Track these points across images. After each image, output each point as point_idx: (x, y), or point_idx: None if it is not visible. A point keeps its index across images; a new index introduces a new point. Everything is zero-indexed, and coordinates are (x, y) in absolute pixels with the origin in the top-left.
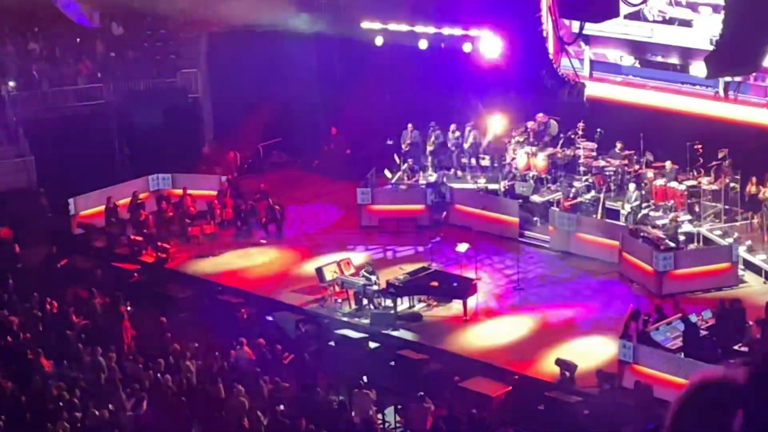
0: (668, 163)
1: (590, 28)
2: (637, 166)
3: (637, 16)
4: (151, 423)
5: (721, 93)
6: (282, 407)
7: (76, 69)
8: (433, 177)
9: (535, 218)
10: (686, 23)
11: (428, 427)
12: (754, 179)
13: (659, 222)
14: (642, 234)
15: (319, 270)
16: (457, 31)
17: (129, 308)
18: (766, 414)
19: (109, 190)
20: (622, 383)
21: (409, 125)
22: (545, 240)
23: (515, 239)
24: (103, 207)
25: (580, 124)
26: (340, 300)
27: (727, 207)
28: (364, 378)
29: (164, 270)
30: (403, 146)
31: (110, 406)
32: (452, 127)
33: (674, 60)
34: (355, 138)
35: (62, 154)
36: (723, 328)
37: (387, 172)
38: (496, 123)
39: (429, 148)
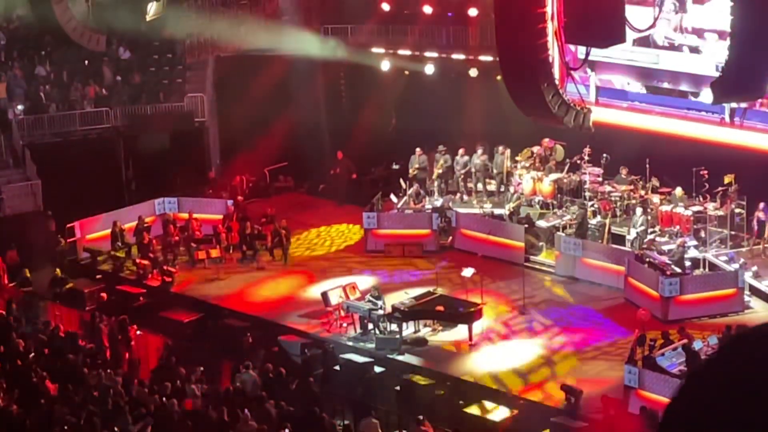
0: (678, 190)
1: (596, 54)
2: (642, 192)
3: (644, 42)
4: None
5: (727, 119)
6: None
7: (83, 93)
8: (439, 202)
9: (540, 243)
10: (693, 50)
11: None
12: (761, 205)
13: (665, 247)
14: (648, 259)
15: (324, 294)
16: (464, 56)
17: (135, 332)
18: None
19: (115, 213)
20: (628, 409)
21: (418, 150)
22: (551, 265)
23: (521, 264)
24: (109, 231)
25: (586, 150)
26: (345, 324)
27: (733, 233)
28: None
29: (170, 294)
30: (411, 171)
31: (116, 429)
32: (461, 151)
33: (680, 86)
34: (361, 163)
35: (69, 178)
36: None
37: (393, 197)
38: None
39: (437, 171)
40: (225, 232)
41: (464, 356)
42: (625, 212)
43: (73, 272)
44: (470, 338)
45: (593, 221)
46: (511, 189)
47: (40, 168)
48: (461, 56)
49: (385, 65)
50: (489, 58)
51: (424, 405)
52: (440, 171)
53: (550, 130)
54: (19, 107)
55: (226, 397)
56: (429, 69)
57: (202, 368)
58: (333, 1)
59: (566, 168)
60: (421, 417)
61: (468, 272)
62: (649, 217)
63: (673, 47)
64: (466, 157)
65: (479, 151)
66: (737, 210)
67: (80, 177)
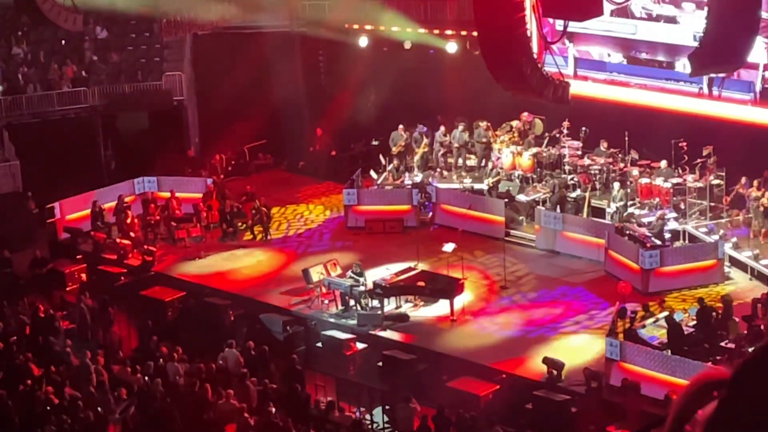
0: (664, 163)
1: (574, 25)
2: (622, 165)
3: (623, 13)
4: (139, 426)
5: (706, 90)
6: (274, 409)
7: (60, 73)
8: (418, 177)
9: (520, 217)
10: (672, 20)
11: (415, 428)
12: (743, 179)
13: (645, 220)
14: (628, 232)
15: (305, 271)
16: (442, 31)
17: (116, 311)
18: (747, 409)
19: (94, 193)
20: (610, 381)
21: (400, 126)
22: (531, 239)
23: (501, 239)
24: (89, 211)
25: (565, 123)
26: (326, 301)
27: (712, 204)
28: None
29: (151, 273)
30: (395, 148)
31: (98, 409)
32: (442, 129)
33: (659, 57)
34: (340, 139)
35: (48, 158)
36: (709, 324)
37: (373, 173)
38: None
39: (419, 151)
40: (205, 211)
41: (446, 331)
42: (604, 185)
43: (53, 252)
44: (452, 313)
45: (573, 194)
46: (490, 164)
47: (19, 149)
48: (439, 31)
49: (363, 41)
50: (467, 33)
51: (407, 381)
52: (418, 148)
53: (529, 104)
54: None
55: (209, 374)
56: (407, 44)
57: (183, 347)
58: None
59: (545, 142)
60: (408, 395)
61: (449, 247)
62: (629, 190)
63: (650, 17)
64: (448, 135)
65: (461, 127)
66: (716, 181)
67: (59, 157)
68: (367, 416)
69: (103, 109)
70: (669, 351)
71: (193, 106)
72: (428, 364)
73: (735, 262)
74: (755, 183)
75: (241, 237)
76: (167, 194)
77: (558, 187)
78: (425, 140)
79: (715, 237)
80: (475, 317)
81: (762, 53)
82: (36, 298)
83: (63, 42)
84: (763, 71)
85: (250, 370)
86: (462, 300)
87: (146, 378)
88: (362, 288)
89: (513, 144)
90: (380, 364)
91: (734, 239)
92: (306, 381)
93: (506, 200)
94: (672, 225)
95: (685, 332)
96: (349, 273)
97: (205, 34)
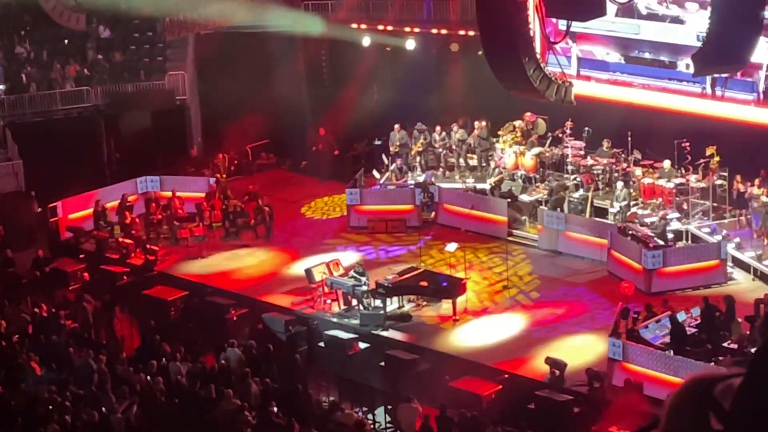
0: (667, 163)
1: (577, 25)
2: (625, 165)
3: (628, 12)
4: (142, 425)
5: (708, 90)
6: (275, 409)
7: (63, 72)
8: (421, 177)
9: (523, 217)
10: (677, 20)
11: (417, 428)
12: (739, 177)
13: (648, 220)
14: (630, 232)
15: (308, 271)
16: (445, 31)
17: (119, 311)
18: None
19: (97, 192)
20: (612, 381)
21: (396, 126)
22: (534, 239)
23: (504, 238)
24: (91, 210)
25: (568, 123)
26: (329, 301)
27: (715, 204)
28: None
29: (153, 272)
30: (392, 148)
31: (101, 408)
32: (438, 128)
33: (662, 57)
34: (343, 139)
35: (50, 158)
36: (712, 325)
37: (375, 173)
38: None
39: (416, 148)
40: (208, 210)
41: (448, 331)
42: (607, 185)
43: (56, 252)
44: (454, 313)
45: (576, 194)
46: (492, 163)
47: (22, 148)
48: (442, 31)
49: (366, 41)
50: (470, 33)
51: (409, 381)
52: (420, 149)
53: (532, 104)
54: (0, 87)
55: (211, 374)
56: (410, 44)
57: (186, 346)
58: None
59: (548, 142)
60: (410, 395)
61: (451, 247)
62: (632, 190)
63: (655, 17)
64: (444, 134)
65: (455, 127)
66: (719, 182)
67: (62, 156)
68: (370, 416)
69: (106, 109)
70: (671, 351)
71: (195, 106)
72: (430, 364)
73: (738, 263)
74: (756, 181)
75: (243, 236)
76: (170, 194)
77: (556, 190)
78: (422, 138)
79: (718, 237)
80: (477, 317)
81: (765, 53)
82: (38, 297)
83: (66, 41)
84: (767, 71)
85: (252, 369)
86: (464, 300)
87: (148, 377)
88: (365, 288)
89: (516, 144)
90: (382, 364)
91: (737, 239)
92: (308, 381)
93: (509, 200)
94: (675, 225)
95: (688, 332)
96: (352, 273)
97: (208, 34)
